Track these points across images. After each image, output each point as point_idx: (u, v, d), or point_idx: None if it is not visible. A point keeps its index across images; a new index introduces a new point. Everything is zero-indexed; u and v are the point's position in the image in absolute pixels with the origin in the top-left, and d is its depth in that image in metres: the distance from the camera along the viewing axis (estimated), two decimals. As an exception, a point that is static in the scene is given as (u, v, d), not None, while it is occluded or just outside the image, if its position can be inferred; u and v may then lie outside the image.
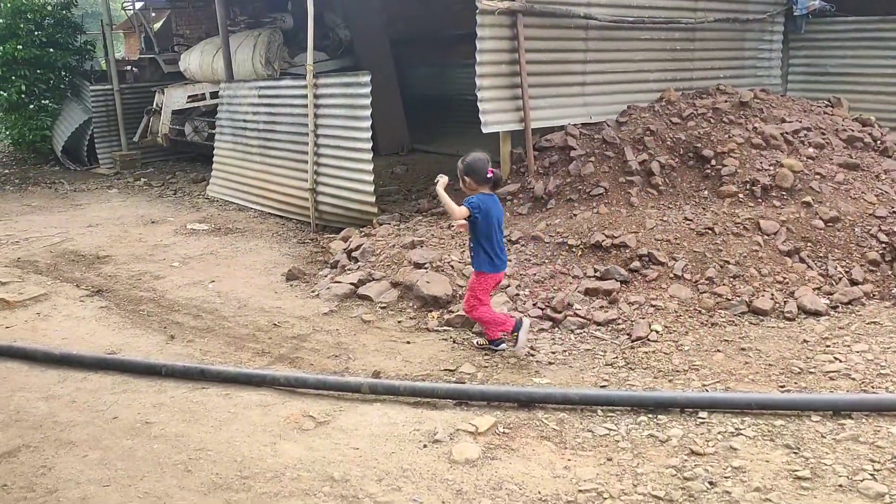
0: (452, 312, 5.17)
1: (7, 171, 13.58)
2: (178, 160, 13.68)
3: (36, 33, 13.16)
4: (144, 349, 4.86)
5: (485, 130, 6.70)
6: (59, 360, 4.58)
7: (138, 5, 17.37)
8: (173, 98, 12.34)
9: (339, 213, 7.76)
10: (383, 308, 5.44)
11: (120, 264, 6.99)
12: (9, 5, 13.34)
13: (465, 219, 4.56)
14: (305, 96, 8.03)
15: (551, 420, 3.74)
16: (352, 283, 5.72)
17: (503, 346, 4.67)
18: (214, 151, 10.38)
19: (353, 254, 6.22)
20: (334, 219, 7.92)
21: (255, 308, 5.65)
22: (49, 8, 13.61)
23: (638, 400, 3.85)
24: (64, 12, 13.74)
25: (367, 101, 7.08)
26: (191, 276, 6.55)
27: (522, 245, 5.97)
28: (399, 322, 5.23)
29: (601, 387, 4.16)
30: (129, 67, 15.23)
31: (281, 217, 8.81)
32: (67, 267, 6.94)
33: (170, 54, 14.67)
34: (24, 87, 13.10)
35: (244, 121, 9.61)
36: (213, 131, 10.93)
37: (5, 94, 13.38)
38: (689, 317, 5.06)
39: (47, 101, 13.48)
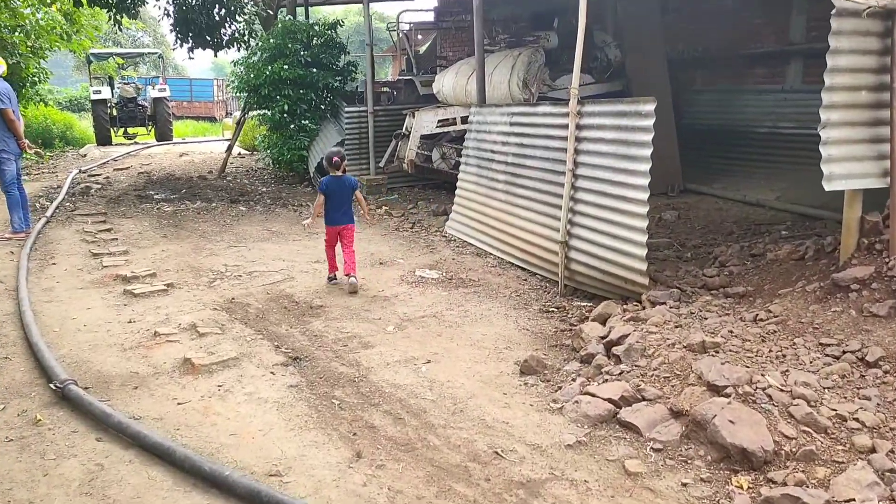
0: (775, 484, 3.21)
1: (264, 188, 13.72)
2: (423, 187, 12.89)
3: (302, 53, 13.15)
4: (318, 473, 3.53)
5: (828, 187, 4.56)
6: (208, 477, 3.40)
7: (404, 27, 17.10)
8: (423, 122, 11.50)
9: (596, 276, 6.05)
10: (657, 451, 3.61)
11: (331, 319, 5.91)
12: (280, 26, 13.51)
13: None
14: (565, 126, 6.46)
15: None
16: (611, 400, 3.96)
17: (334, 280, 6.83)
18: (458, 184, 9.22)
19: (615, 348, 4.46)
20: (589, 282, 6.22)
21: (475, 418, 4.12)
22: (317, 28, 13.59)
23: None
24: (329, 32, 13.63)
25: (648, 137, 5.29)
26: (404, 348, 5.22)
27: (887, 372, 3.80)
28: (684, 485, 3.37)
29: None
30: (385, 89, 14.86)
31: (523, 269, 7.30)
32: (276, 317, 6.00)
33: (426, 76, 14.03)
34: (286, 107, 13.13)
35: (491, 151, 8.29)
36: (461, 159, 9.83)
37: (269, 114, 13.56)
38: None
39: (307, 122, 13.42)
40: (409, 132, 11.61)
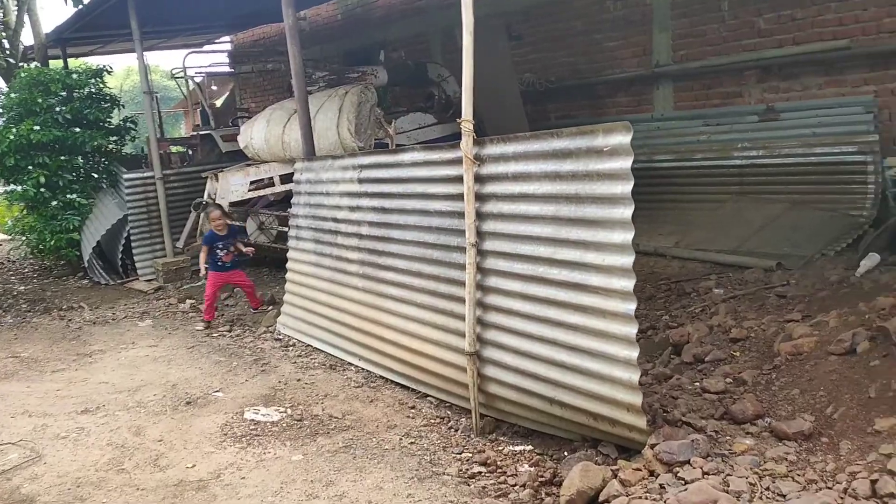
0: None
1: (23, 287, 10.34)
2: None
3: (58, 109, 10.09)
4: None
5: None
6: None
7: (193, 73, 14.29)
8: (230, 186, 8.92)
9: (536, 406, 3.89)
10: None
11: (99, 558, 3.25)
12: (24, 76, 10.35)
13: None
14: (455, 178, 4.34)
15: None
16: None
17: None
18: (287, 265, 6.78)
19: None
20: (522, 413, 4.06)
21: None
22: (76, 77, 10.55)
23: None
24: (93, 81, 10.65)
25: (625, 189, 3.23)
26: None
27: None
28: None
29: None
30: (177, 147, 12.06)
31: (405, 388, 5.02)
32: (-9, 566, 3.25)
33: (228, 129, 11.43)
34: (43, 179, 9.96)
35: (334, 219, 5.97)
36: (285, 228, 7.43)
37: (20, 189, 10.27)
38: None
39: (75, 196, 10.29)
40: (214, 199, 8.98)
